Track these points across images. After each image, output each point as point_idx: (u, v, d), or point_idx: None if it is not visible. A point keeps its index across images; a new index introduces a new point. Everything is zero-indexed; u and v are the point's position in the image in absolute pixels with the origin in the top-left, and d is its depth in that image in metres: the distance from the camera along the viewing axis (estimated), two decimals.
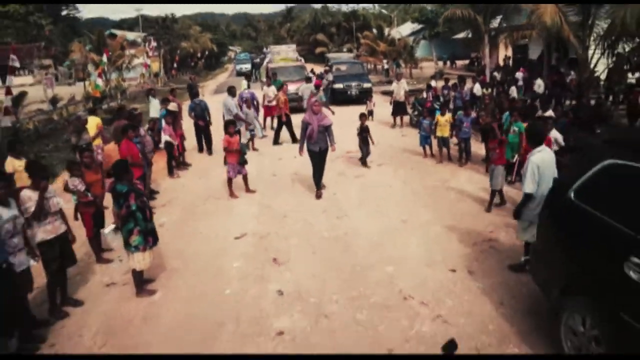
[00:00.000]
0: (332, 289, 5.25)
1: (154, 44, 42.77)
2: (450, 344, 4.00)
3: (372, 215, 7.36)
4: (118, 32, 40.66)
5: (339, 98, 18.68)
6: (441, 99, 13.06)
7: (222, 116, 11.96)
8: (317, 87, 16.23)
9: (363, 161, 10.23)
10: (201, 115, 11.91)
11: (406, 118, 14.49)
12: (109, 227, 7.00)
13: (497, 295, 4.91)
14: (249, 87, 15.40)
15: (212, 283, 5.57)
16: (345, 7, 59.33)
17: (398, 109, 14.21)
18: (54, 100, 21.45)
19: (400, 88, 13.99)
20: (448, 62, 38.57)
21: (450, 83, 13.97)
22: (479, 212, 7.26)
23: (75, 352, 4.52)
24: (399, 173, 9.59)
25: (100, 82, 24.64)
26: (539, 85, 15.03)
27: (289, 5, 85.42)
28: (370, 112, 14.78)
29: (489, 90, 14.48)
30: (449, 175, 9.25)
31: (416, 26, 37.23)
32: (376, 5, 55.66)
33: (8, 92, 14.13)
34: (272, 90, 13.91)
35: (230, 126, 8.43)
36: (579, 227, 3.74)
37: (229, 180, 8.54)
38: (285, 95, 12.94)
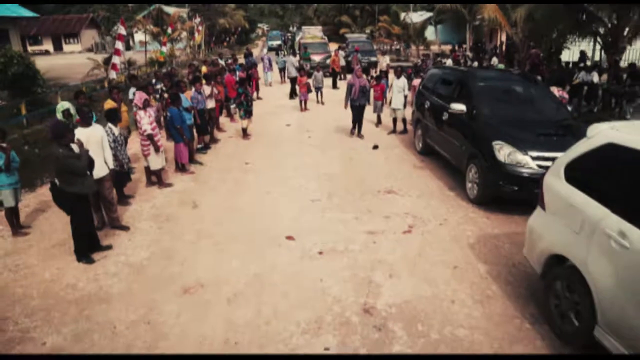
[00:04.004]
0: (332, 130, 11.98)
1: (199, 19, 49.47)
2: (375, 146, 10.61)
3: None
4: (170, 9, 47.31)
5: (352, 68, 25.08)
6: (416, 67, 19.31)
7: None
8: (357, 51, 22.23)
9: None
10: (250, 67, 18.50)
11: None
12: (232, 105, 13.93)
13: (401, 140, 11.48)
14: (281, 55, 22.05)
15: (278, 135, 12.27)
16: None
17: (381, 75, 20.35)
18: (129, 62, 28.49)
19: (382, 61, 20.30)
20: (456, 46, 44.17)
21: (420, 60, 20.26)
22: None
23: (225, 151, 11.07)
24: None
25: (164, 49, 31.62)
26: (495, 62, 21.10)
27: None
28: (372, 77, 21.12)
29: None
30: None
31: (425, 13, 42.97)
32: None
33: (117, 52, 20.84)
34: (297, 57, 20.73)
35: (302, 71, 15.56)
36: (423, 99, 10.10)
37: (304, 101, 15.51)
38: (337, 57, 20.21)
